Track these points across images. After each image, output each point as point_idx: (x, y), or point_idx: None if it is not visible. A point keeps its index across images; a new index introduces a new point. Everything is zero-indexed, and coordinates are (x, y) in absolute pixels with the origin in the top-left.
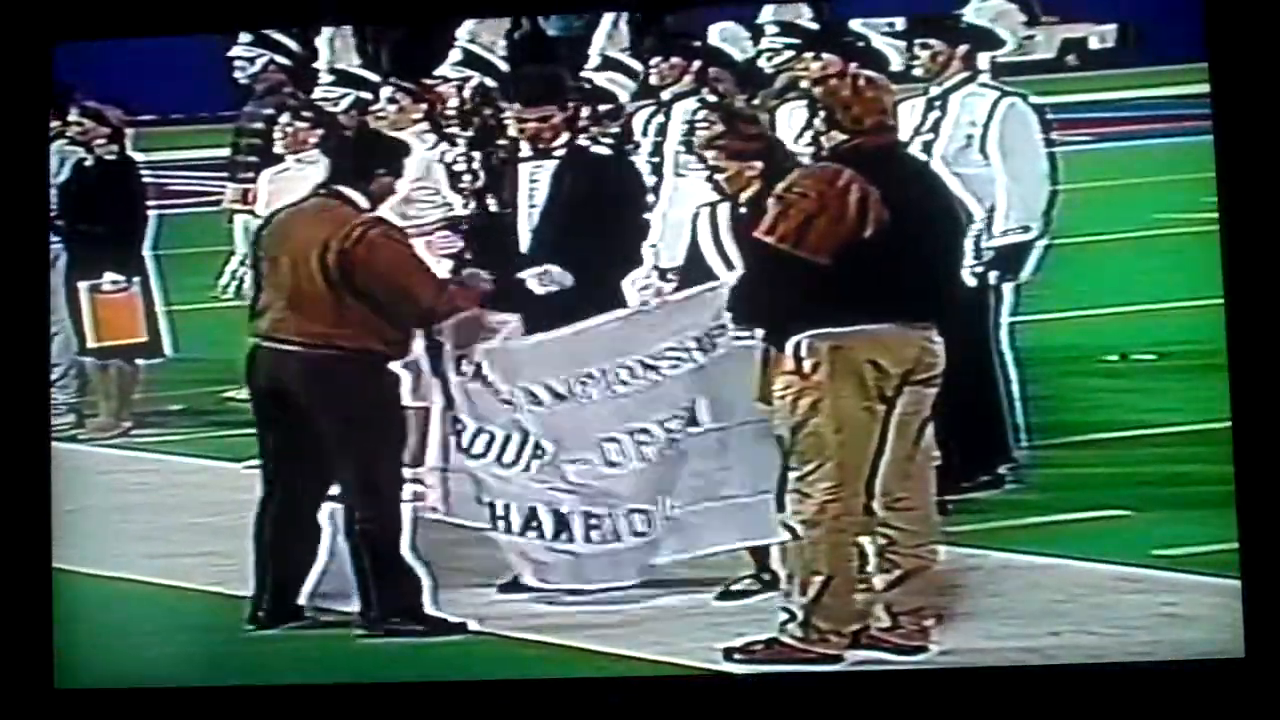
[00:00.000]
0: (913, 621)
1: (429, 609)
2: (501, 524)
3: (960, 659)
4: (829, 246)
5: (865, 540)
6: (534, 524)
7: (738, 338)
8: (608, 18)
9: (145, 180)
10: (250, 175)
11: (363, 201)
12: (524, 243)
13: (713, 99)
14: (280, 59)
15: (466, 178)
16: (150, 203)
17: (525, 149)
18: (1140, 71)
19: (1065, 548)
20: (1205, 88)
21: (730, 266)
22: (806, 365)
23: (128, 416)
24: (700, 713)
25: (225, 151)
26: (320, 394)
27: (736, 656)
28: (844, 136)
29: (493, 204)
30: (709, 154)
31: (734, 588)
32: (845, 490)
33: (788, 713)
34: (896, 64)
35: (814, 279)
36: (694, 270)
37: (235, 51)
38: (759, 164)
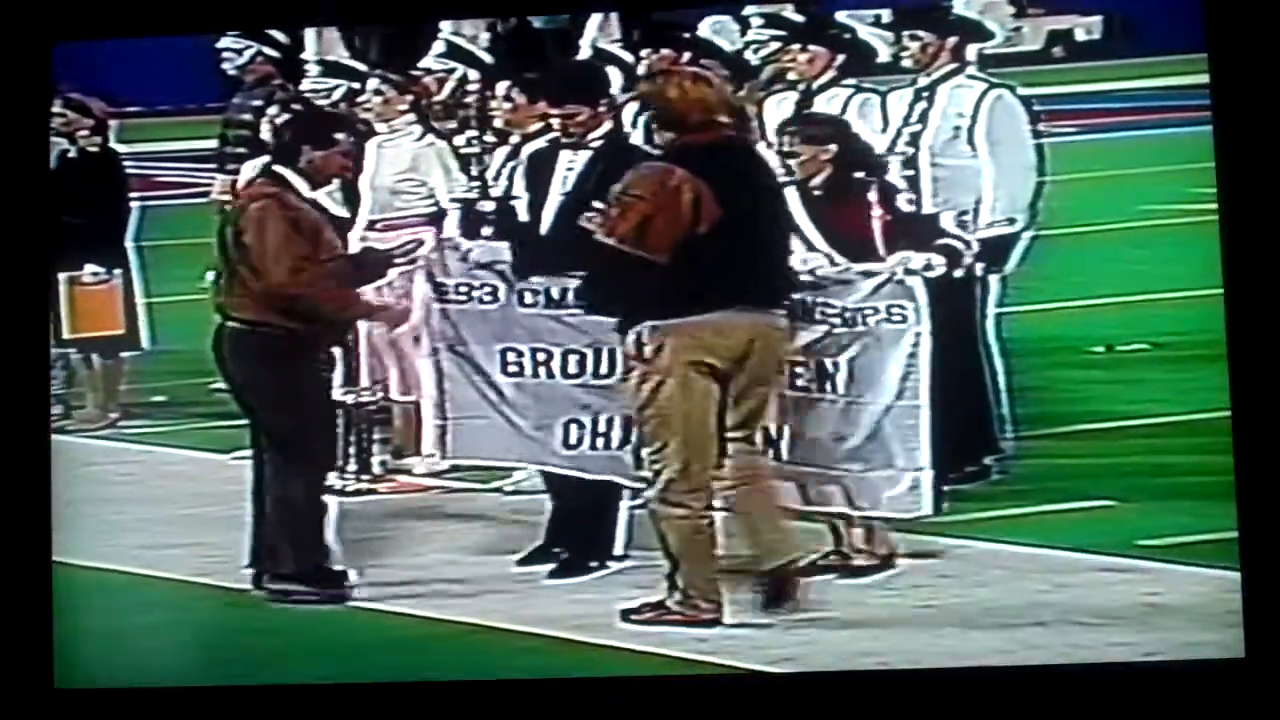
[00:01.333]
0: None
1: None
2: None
3: (946, 647)
4: (667, 245)
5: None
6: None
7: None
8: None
9: (129, 172)
10: (239, 166)
11: (298, 181)
12: (544, 226)
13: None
14: (268, 51)
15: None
16: (134, 194)
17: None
18: (1137, 62)
19: (1050, 538)
20: (1203, 78)
21: (811, 247)
22: (648, 351)
23: (114, 408)
24: (700, 712)
25: (213, 143)
26: (237, 367)
27: (632, 618)
28: (671, 134)
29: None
30: (783, 139)
31: (820, 562)
32: (692, 468)
33: (786, 712)
34: (884, 55)
35: (654, 275)
36: None
37: (223, 44)
38: (833, 147)
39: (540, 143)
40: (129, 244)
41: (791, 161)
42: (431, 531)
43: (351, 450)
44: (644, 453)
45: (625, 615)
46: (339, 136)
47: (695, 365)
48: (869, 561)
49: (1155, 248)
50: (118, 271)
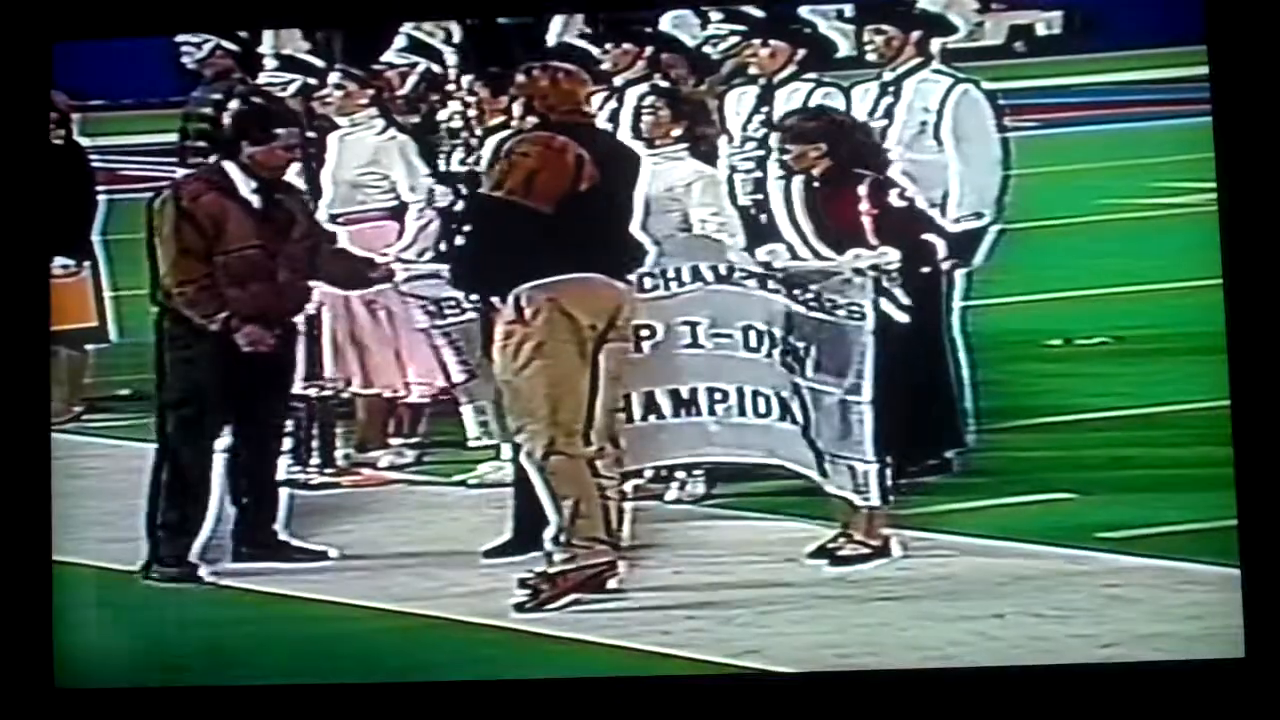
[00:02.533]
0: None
1: (282, 535)
2: None
3: (906, 639)
4: (552, 196)
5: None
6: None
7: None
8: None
9: (94, 165)
10: (200, 160)
11: (237, 174)
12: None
13: (664, 84)
14: (227, 44)
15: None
16: (100, 188)
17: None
18: (1104, 56)
19: (1010, 530)
20: (1179, 72)
21: (804, 239)
22: (527, 313)
23: (79, 401)
24: (700, 712)
25: (174, 137)
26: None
27: (528, 607)
28: (536, 121)
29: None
30: (777, 135)
31: (840, 553)
32: (572, 424)
33: (782, 712)
34: (845, 49)
35: (536, 228)
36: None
37: (182, 37)
38: (823, 145)
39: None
40: (95, 237)
41: (785, 157)
42: (396, 524)
43: (315, 443)
44: (516, 415)
45: (520, 608)
46: (280, 131)
47: (575, 325)
48: (863, 550)
49: (1119, 241)
50: (86, 264)
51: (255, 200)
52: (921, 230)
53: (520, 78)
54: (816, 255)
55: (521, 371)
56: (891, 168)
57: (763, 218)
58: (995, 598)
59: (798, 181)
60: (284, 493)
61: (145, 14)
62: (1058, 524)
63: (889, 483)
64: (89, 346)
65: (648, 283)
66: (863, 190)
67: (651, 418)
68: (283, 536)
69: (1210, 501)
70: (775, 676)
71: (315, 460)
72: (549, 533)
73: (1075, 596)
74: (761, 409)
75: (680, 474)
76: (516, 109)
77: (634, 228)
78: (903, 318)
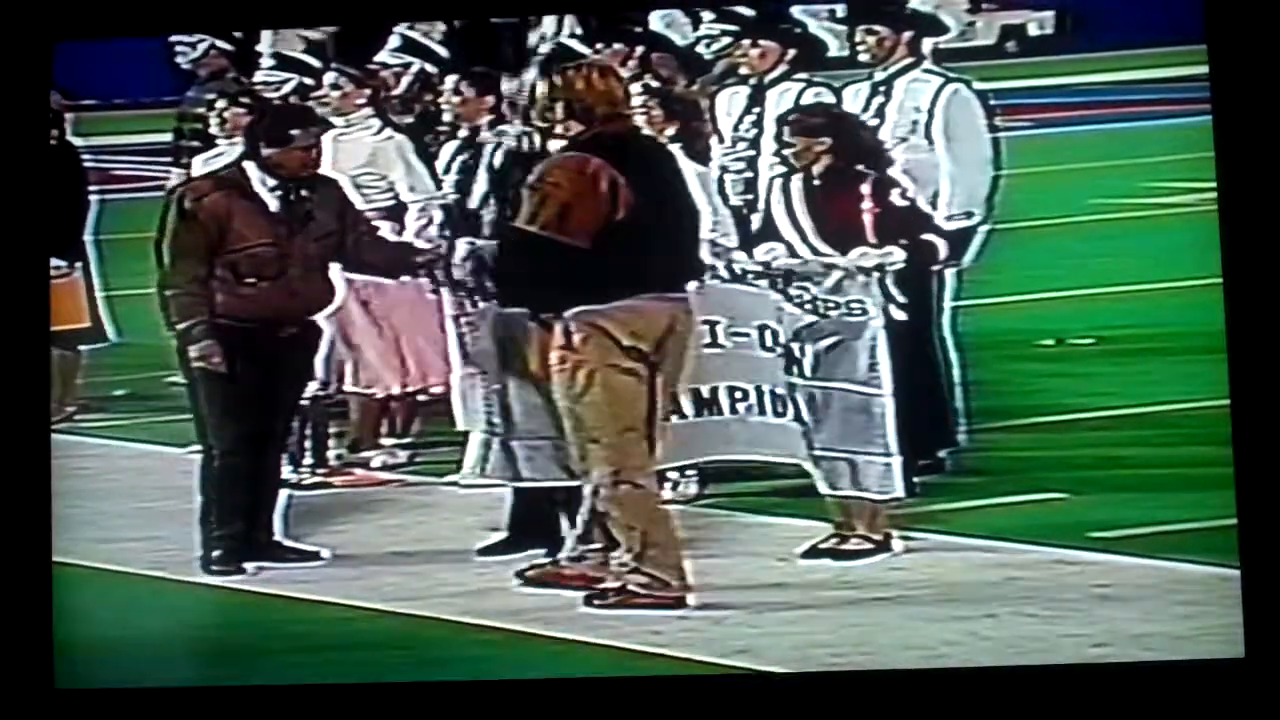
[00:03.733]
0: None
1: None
2: None
3: (898, 639)
4: (588, 230)
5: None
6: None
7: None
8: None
9: (86, 165)
10: (193, 160)
11: (255, 172)
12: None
13: (654, 84)
14: (222, 44)
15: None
16: (92, 188)
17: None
18: (1098, 56)
19: (1002, 530)
20: (1174, 71)
21: (804, 237)
22: (576, 340)
23: (71, 402)
24: (700, 712)
25: (167, 136)
26: None
27: (594, 603)
28: (580, 126)
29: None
30: (779, 130)
31: (843, 547)
32: (632, 449)
33: (775, 711)
34: (835, 49)
35: (576, 261)
36: None
37: (177, 37)
38: (827, 139)
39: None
40: (88, 237)
41: (786, 152)
42: (389, 524)
43: (307, 443)
44: (578, 440)
45: (589, 600)
46: (296, 133)
47: (625, 351)
48: (865, 545)
49: (1109, 241)
50: (79, 265)
51: (272, 198)
52: (922, 230)
53: (556, 79)
54: (816, 253)
55: (581, 398)
56: (893, 166)
57: (754, 218)
58: (988, 598)
59: (797, 180)
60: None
61: (143, 14)
62: (1050, 524)
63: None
64: (82, 347)
65: None
66: (865, 189)
67: (674, 418)
68: (276, 537)
69: (1205, 501)
70: (767, 676)
71: (308, 460)
72: (619, 556)
73: (1067, 596)
74: (779, 408)
75: (673, 474)
76: (558, 112)
77: (684, 240)
78: (900, 315)
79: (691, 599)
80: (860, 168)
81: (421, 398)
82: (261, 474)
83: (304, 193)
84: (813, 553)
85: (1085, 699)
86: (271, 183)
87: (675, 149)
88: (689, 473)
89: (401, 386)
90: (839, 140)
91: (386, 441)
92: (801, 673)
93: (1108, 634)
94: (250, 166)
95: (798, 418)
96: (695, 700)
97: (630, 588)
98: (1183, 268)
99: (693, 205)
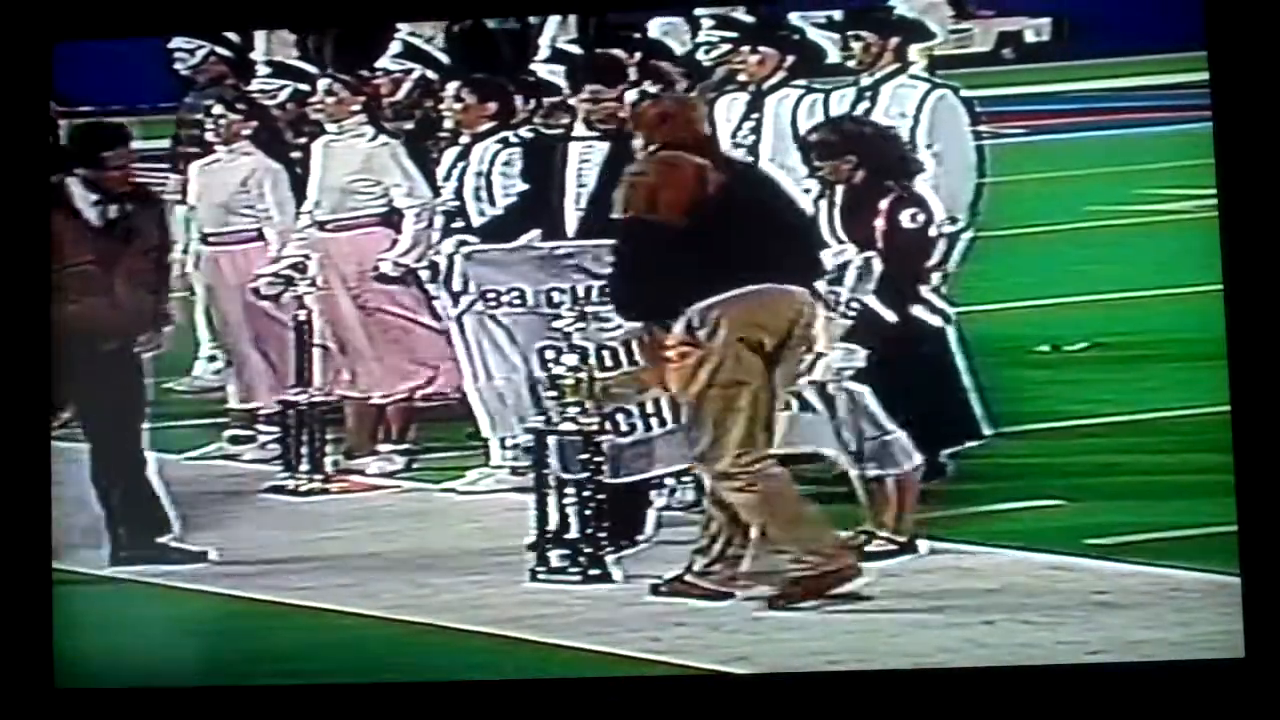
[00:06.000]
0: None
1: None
2: None
3: (896, 645)
4: (680, 208)
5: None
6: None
7: None
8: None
9: None
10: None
11: (78, 189)
12: (570, 225)
13: (654, 89)
14: (221, 51)
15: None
16: None
17: (580, 129)
18: (1097, 63)
19: (999, 537)
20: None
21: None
22: (701, 334)
23: (66, 406)
24: (700, 713)
25: (165, 143)
26: None
27: (779, 604)
28: (656, 145)
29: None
30: (806, 154)
31: (867, 548)
32: (757, 439)
33: (772, 712)
34: (833, 56)
35: (677, 244)
36: None
37: (175, 44)
38: (853, 156)
39: (524, 133)
40: None
41: (820, 173)
42: (385, 531)
43: (304, 450)
44: (703, 435)
45: (772, 603)
46: (107, 154)
47: (748, 343)
48: (889, 546)
49: (1104, 248)
50: None
51: (94, 215)
52: (924, 254)
53: (630, 111)
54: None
55: (704, 394)
56: (922, 173)
57: None
58: (985, 604)
59: (840, 189)
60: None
61: (142, 15)
62: (1048, 530)
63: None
64: None
65: None
66: (883, 204)
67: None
68: (161, 539)
69: (1202, 508)
70: (765, 677)
71: (304, 467)
72: (753, 548)
73: (1064, 603)
74: (809, 402)
75: (670, 480)
76: (636, 143)
77: (796, 237)
78: (891, 317)
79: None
80: (889, 182)
81: (419, 404)
82: (134, 480)
83: (126, 208)
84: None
85: (1085, 700)
86: (93, 198)
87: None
88: (685, 479)
89: (400, 391)
90: (864, 155)
91: (383, 448)
92: (801, 673)
93: (1105, 641)
94: (71, 182)
95: (818, 410)
96: (694, 700)
97: (800, 575)
98: (1181, 274)
99: (798, 209)
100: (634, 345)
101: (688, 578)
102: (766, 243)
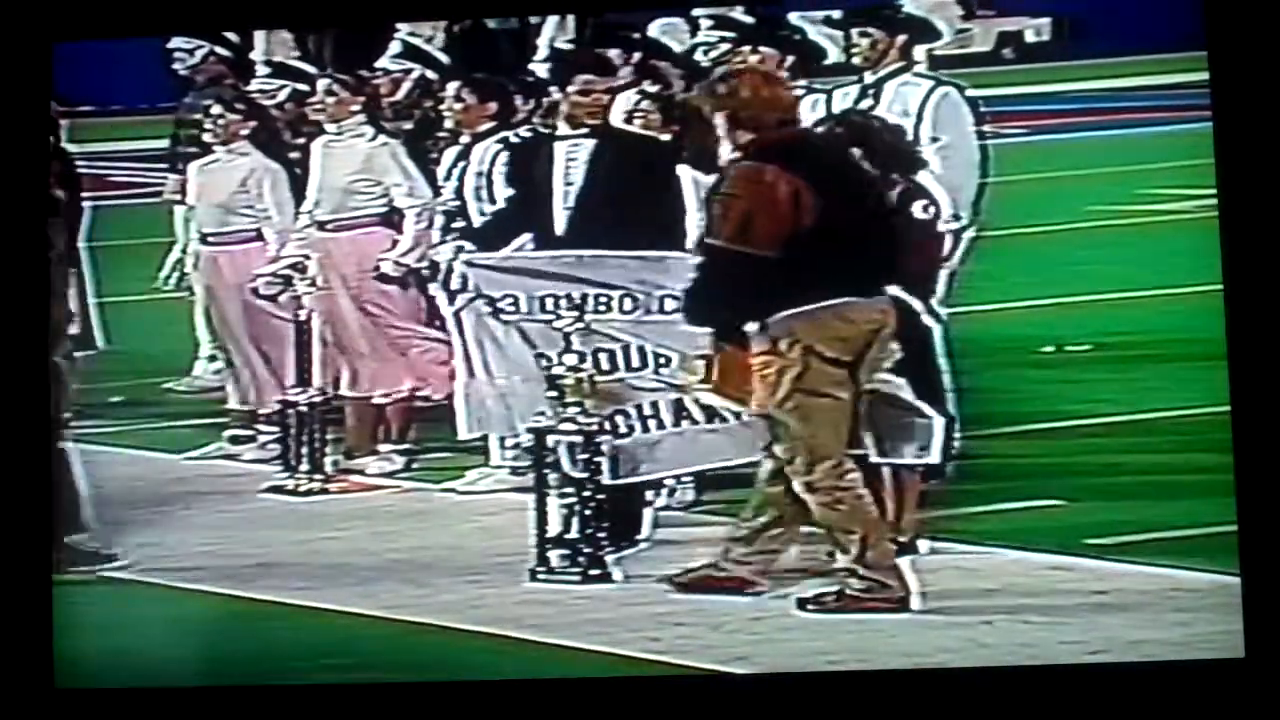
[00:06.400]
0: None
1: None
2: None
3: (897, 646)
4: (771, 241)
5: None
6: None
7: None
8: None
9: (81, 172)
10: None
11: None
12: (559, 223)
13: (653, 89)
14: (220, 50)
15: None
16: (86, 194)
17: (564, 127)
18: (1107, 62)
19: (999, 537)
20: (1174, 78)
21: None
22: (782, 345)
23: (67, 408)
24: (700, 713)
25: (164, 143)
26: None
27: (810, 607)
28: (750, 135)
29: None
30: None
31: None
32: (837, 451)
33: (782, 712)
34: (834, 56)
35: (765, 271)
36: None
37: (175, 44)
38: (858, 150)
39: (523, 132)
40: (81, 244)
41: None
42: (385, 531)
43: (304, 450)
44: (786, 447)
45: (802, 604)
46: None
47: (825, 358)
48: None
49: (1104, 249)
50: (72, 271)
51: None
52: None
53: (720, 88)
54: None
55: (785, 404)
56: (926, 168)
57: None
58: (985, 605)
59: None
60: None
61: (141, 17)
62: (1048, 530)
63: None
64: (75, 354)
65: (669, 304)
66: (891, 196)
67: (685, 423)
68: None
69: (1203, 508)
70: (765, 676)
71: (304, 467)
72: (841, 562)
73: (1064, 603)
74: None
75: (669, 480)
76: (720, 122)
77: (877, 242)
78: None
79: (914, 602)
80: (896, 175)
81: (419, 404)
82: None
83: None
84: None
85: (1085, 700)
86: None
87: (851, 150)
88: (685, 479)
89: (398, 392)
90: (869, 150)
91: (383, 448)
92: (801, 673)
93: (1105, 641)
94: None
95: None
96: (694, 700)
97: (850, 591)
98: (1182, 274)
99: (882, 203)
100: (714, 355)
101: (723, 563)
102: (851, 253)
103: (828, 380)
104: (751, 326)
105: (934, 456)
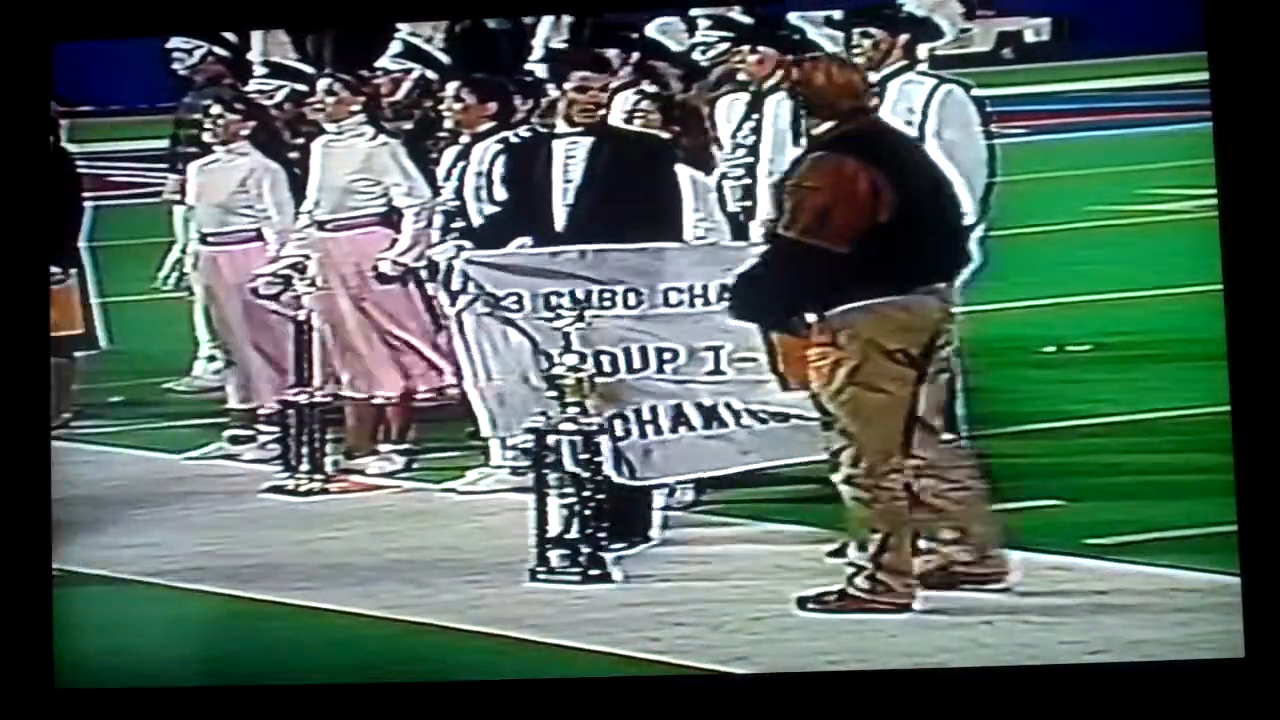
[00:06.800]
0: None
1: None
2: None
3: (897, 646)
4: (847, 235)
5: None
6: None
7: None
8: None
9: (81, 172)
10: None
11: None
12: (559, 220)
13: (652, 89)
14: (219, 50)
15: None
16: (87, 194)
17: (562, 125)
18: (1109, 62)
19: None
20: (1175, 78)
21: None
22: (841, 338)
23: (67, 408)
24: (700, 713)
25: (164, 143)
26: None
27: (810, 606)
28: (828, 124)
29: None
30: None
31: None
32: (889, 449)
33: (782, 712)
34: None
35: (834, 266)
36: None
37: (173, 43)
38: None
39: (523, 132)
40: (82, 244)
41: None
42: (385, 531)
43: (304, 450)
44: (835, 438)
45: (803, 604)
46: None
47: (889, 352)
48: None
49: (1108, 249)
50: (73, 272)
51: None
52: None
53: (795, 73)
54: None
55: (838, 396)
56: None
57: (752, 224)
58: (985, 605)
59: None
60: None
61: (140, 17)
62: (1047, 530)
63: None
64: (77, 354)
65: (673, 297)
66: None
67: (681, 429)
68: None
69: (1203, 508)
70: (765, 676)
71: (304, 467)
72: (853, 555)
73: (1064, 603)
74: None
75: (669, 480)
76: (800, 112)
77: (947, 235)
78: None
79: (916, 604)
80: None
81: (419, 404)
82: None
83: None
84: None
85: (1085, 700)
86: None
87: (919, 139)
88: (685, 480)
89: (398, 391)
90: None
91: (383, 448)
92: (801, 673)
93: (1105, 641)
94: None
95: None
96: (694, 700)
97: (852, 591)
98: (1182, 274)
99: (952, 193)
100: (775, 343)
101: (851, 590)
102: (920, 249)
103: (886, 375)
104: (810, 317)
105: None
